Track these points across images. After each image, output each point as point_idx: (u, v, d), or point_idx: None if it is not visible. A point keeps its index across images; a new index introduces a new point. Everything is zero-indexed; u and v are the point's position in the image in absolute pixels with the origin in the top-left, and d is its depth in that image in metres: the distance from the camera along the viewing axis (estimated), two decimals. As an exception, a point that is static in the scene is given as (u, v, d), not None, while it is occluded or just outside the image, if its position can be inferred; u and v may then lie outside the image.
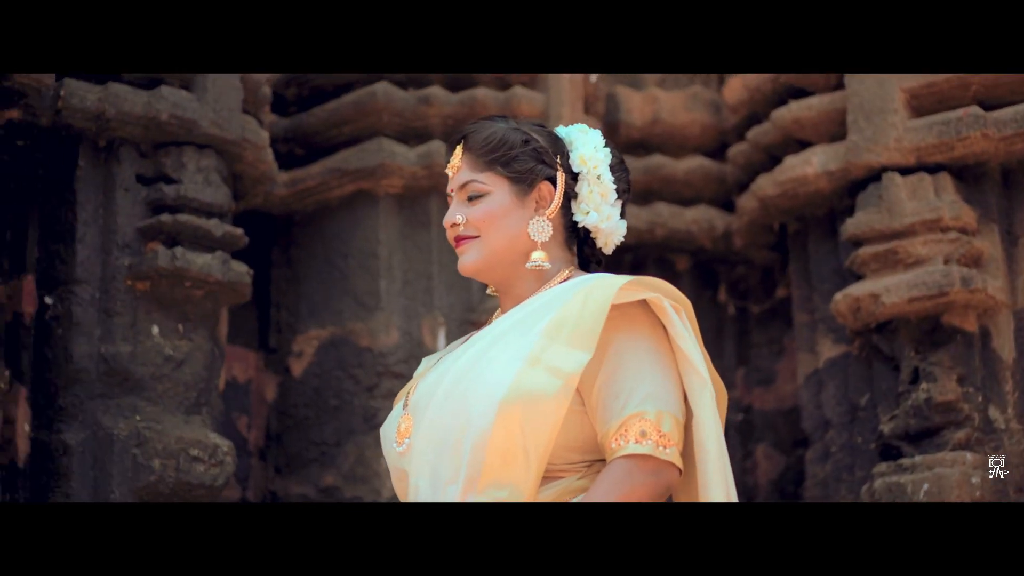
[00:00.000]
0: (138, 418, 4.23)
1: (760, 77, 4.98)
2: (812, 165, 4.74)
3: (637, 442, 2.76)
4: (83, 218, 4.31)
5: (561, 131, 3.03)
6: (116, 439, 4.18)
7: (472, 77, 4.83)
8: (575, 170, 2.98)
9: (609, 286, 2.82)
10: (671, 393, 2.82)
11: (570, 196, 2.97)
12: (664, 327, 2.87)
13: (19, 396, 4.27)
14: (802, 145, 4.88)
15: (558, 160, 2.96)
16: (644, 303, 2.87)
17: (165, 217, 4.31)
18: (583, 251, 3.04)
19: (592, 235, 3.02)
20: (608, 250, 3.05)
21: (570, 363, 2.76)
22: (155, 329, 4.31)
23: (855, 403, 4.70)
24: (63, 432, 4.21)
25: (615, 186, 2.99)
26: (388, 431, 2.97)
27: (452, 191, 2.98)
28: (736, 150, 5.18)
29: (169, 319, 4.34)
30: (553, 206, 2.95)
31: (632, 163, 5.28)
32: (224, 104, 4.43)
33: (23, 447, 4.25)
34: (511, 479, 2.76)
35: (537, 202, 2.95)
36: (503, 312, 2.99)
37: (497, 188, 2.93)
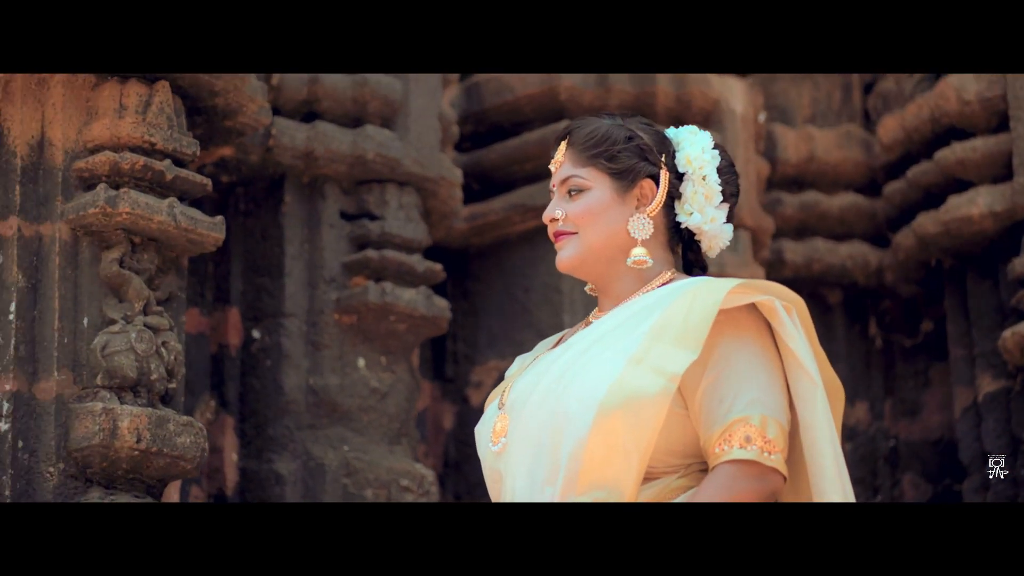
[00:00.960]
0: (346, 448, 4.34)
1: (919, 118, 5.09)
2: (977, 205, 4.86)
3: (742, 447, 2.70)
4: (290, 253, 4.42)
5: (670, 131, 2.96)
6: (327, 469, 4.29)
7: (648, 114, 4.93)
8: (680, 170, 2.91)
9: (718, 289, 2.76)
10: (776, 399, 2.75)
11: (674, 196, 2.91)
12: (772, 330, 2.80)
13: (226, 426, 4.38)
14: (961, 184, 5.00)
15: (663, 159, 2.90)
16: (752, 306, 2.80)
17: (371, 252, 4.42)
18: (687, 256, 2.98)
19: (696, 238, 2.95)
20: (712, 254, 2.97)
21: (675, 363, 2.70)
22: (361, 362, 4.42)
23: (1017, 436, 4.82)
24: (274, 462, 4.32)
25: (721, 188, 2.92)
26: (483, 431, 2.91)
27: (554, 186, 2.93)
28: (893, 188, 5.29)
29: (373, 352, 4.46)
30: (655, 204, 2.89)
31: (788, 199, 5.42)
32: (424, 142, 4.55)
33: (231, 476, 4.35)
34: (611, 479, 2.70)
35: (639, 199, 2.89)
36: (601, 312, 2.93)
37: (598, 184, 2.88)
